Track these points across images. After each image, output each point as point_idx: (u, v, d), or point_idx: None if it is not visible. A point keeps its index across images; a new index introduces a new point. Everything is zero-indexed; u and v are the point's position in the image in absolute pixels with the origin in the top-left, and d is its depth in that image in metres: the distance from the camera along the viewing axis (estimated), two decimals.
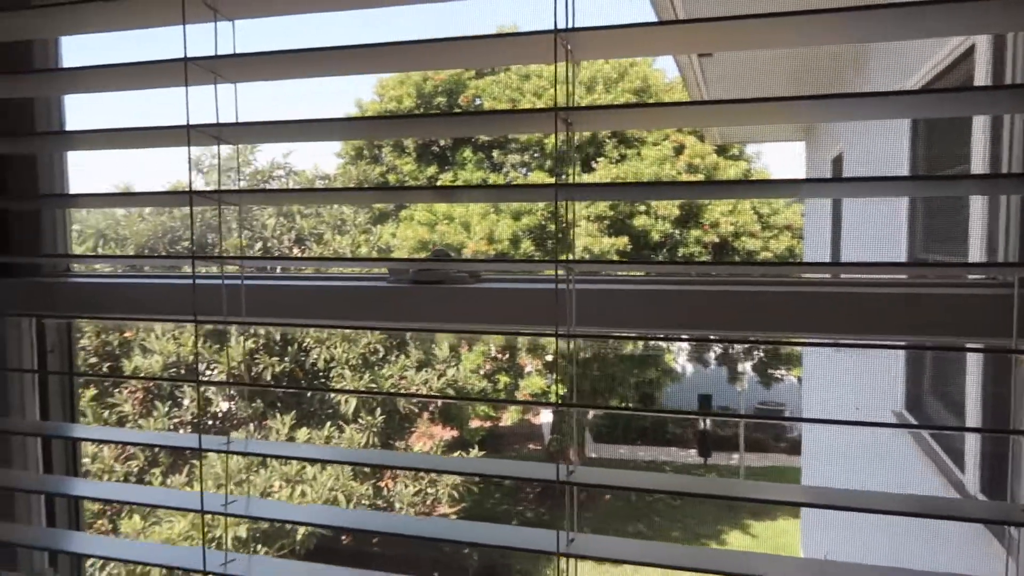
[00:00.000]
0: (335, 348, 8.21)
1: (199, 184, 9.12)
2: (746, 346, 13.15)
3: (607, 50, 0.67)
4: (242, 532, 6.33)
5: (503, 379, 10.79)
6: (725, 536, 10.59)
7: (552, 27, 0.62)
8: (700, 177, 11.36)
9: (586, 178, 12.09)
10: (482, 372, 10.72)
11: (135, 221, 9.60)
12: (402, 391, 8.28)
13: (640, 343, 11.73)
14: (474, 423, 11.24)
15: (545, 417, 12.86)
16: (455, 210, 11.82)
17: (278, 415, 8.12)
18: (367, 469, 7.91)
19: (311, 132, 0.79)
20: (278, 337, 8.40)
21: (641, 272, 0.82)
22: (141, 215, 9.56)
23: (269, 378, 8.14)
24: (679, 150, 12.12)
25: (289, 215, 9.18)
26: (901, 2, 0.59)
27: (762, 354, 13.08)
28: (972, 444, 2.86)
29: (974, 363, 2.59)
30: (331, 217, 9.25)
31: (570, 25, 0.62)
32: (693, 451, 12.77)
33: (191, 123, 0.74)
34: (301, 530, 7.36)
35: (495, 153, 12.66)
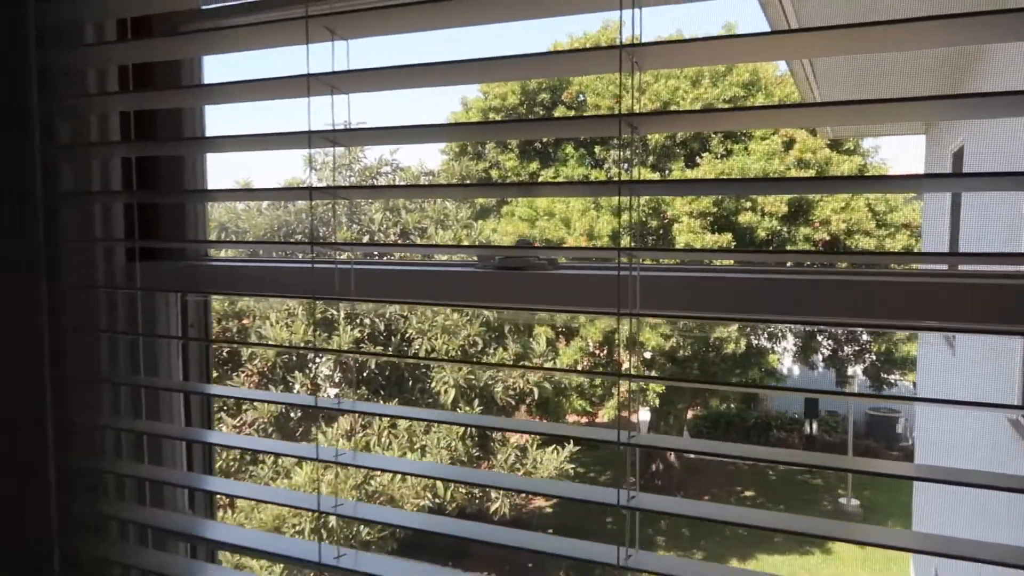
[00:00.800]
0: (436, 339, 8.45)
1: (313, 180, 9.65)
2: (856, 348, 12.59)
3: (669, 61, 0.75)
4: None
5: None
6: (811, 555, 10.28)
7: (618, 42, 0.71)
8: (811, 173, 10.94)
9: (689, 174, 11.88)
10: (580, 367, 10.78)
11: (253, 215, 10.27)
12: (497, 369, 8.44)
13: (742, 343, 11.46)
14: (571, 418, 11.29)
15: (643, 416, 12.77)
16: (555, 206, 11.92)
17: (381, 402, 8.48)
18: (473, 432, 8.39)
19: (405, 136, 0.94)
20: (382, 327, 8.76)
21: (730, 262, 0.86)
22: (259, 210, 10.21)
23: (373, 367, 8.52)
24: (789, 145, 11.72)
25: (395, 210, 9.54)
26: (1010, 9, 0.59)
27: (874, 357, 12.49)
28: None
29: None
30: (435, 212, 9.54)
31: (636, 40, 0.70)
32: None
33: (312, 129, 0.88)
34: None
35: (596, 149, 12.67)
